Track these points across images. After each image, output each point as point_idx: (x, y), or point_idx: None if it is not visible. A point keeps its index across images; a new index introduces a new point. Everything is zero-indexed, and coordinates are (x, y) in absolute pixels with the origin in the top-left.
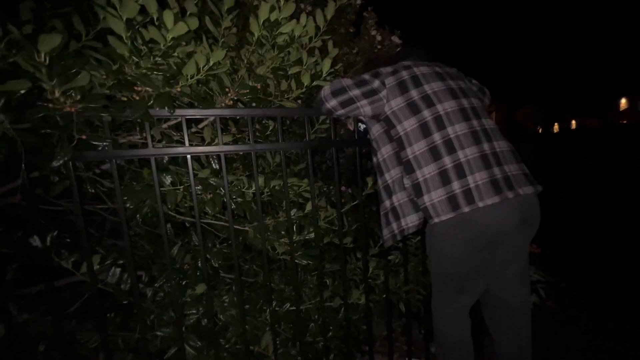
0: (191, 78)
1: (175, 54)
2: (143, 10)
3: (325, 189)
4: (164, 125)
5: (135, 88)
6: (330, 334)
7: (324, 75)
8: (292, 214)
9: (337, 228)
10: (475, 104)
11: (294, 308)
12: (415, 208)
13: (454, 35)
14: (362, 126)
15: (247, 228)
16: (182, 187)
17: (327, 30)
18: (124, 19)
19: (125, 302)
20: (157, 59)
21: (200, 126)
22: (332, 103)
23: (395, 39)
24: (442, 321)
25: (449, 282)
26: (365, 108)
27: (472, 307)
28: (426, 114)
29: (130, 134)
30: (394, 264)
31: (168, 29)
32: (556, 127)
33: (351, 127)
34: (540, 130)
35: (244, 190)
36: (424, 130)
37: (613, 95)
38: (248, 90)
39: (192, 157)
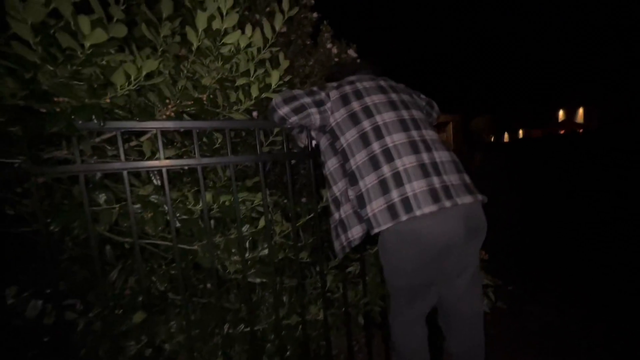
0: (122, 89)
1: (103, 62)
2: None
3: (281, 202)
4: (97, 139)
5: (56, 99)
6: (288, 353)
7: (273, 86)
8: (245, 230)
9: (292, 243)
10: (416, 115)
11: (248, 329)
12: (359, 219)
13: (410, 49)
14: (314, 141)
15: (195, 247)
16: (118, 205)
17: (276, 42)
18: (29, 22)
19: (47, 339)
20: (75, 67)
21: (142, 139)
22: (284, 110)
23: (352, 53)
24: (399, 330)
25: (402, 292)
26: (315, 116)
27: (431, 313)
28: (366, 124)
29: (57, 149)
30: (353, 275)
31: (85, 35)
32: (506, 136)
33: (302, 142)
34: (492, 139)
35: (190, 207)
36: (364, 140)
37: (553, 108)
38: (192, 102)
39: (130, 173)
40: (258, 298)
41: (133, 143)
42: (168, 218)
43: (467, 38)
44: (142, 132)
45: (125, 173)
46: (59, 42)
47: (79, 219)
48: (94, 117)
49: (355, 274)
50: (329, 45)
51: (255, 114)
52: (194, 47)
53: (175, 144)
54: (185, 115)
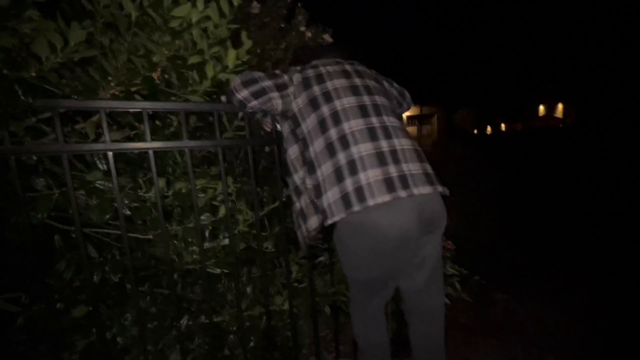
0: (47, 61)
1: (26, 30)
2: None
3: (246, 190)
4: (33, 119)
5: None
6: (252, 344)
7: (230, 67)
8: (204, 219)
9: (256, 232)
10: (379, 101)
11: (208, 321)
12: (316, 210)
13: (395, 41)
14: (279, 126)
15: (149, 236)
16: (58, 191)
17: (237, 19)
18: None
19: None
20: None
21: (94, 119)
22: (243, 94)
23: (327, 38)
24: (358, 321)
25: (359, 285)
26: (277, 101)
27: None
28: (325, 110)
29: None
30: (323, 265)
31: None
32: (489, 129)
33: (268, 127)
34: (475, 132)
35: (142, 194)
36: (322, 127)
37: (534, 103)
38: (140, 80)
39: (77, 157)
40: (224, 289)
41: (80, 126)
42: (116, 205)
43: (453, 31)
44: (90, 114)
45: (64, 156)
46: None
47: (11, 204)
48: (20, 93)
49: (326, 263)
50: (302, 29)
51: (223, 98)
52: (132, 18)
53: (125, 127)
54: (138, 97)
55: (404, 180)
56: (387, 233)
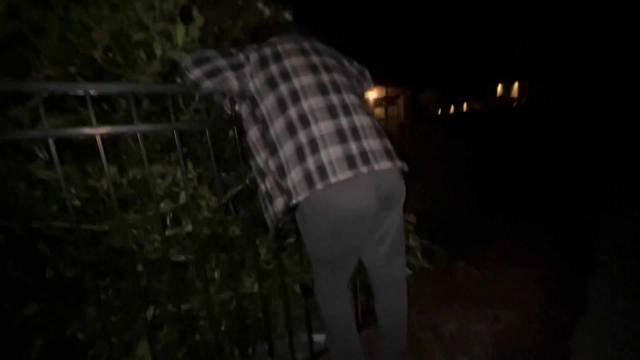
0: None
1: None
2: None
3: (208, 175)
4: None
5: None
6: (223, 328)
7: (180, 45)
8: (165, 206)
9: (221, 218)
10: (338, 79)
11: (175, 309)
12: (281, 191)
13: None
14: (237, 107)
15: (105, 228)
16: None
17: None
18: None
19: None
20: None
21: (29, 104)
22: (195, 73)
23: (287, 16)
24: (322, 298)
25: (322, 263)
26: (233, 82)
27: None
28: (282, 89)
29: None
30: (292, 246)
31: None
32: (452, 109)
33: (228, 109)
34: (439, 112)
35: (93, 183)
36: (281, 107)
37: (492, 82)
38: (79, 60)
39: (10, 145)
40: (192, 276)
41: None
42: (62, 196)
43: (418, 14)
44: (25, 99)
45: None
46: None
47: None
48: None
49: (293, 244)
50: (260, 6)
51: (178, 79)
52: None
53: (68, 112)
54: (80, 78)
55: (364, 157)
56: (347, 209)
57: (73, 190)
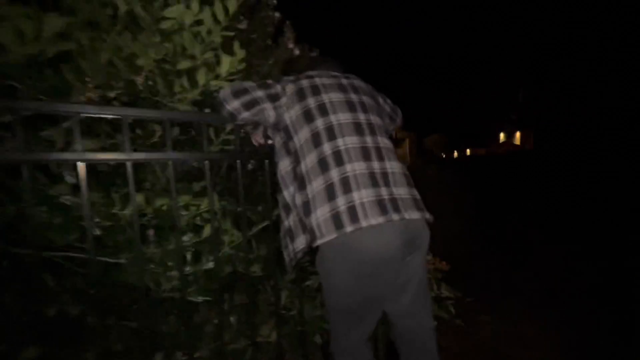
0: (14, 53)
1: None
2: None
3: (232, 209)
4: None
5: None
6: None
7: (223, 75)
8: (187, 240)
9: (243, 254)
10: (374, 120)
11: (185, 358)
12: (304, 229)
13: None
14: (270, 139)
15: (121, 260)
16: (14, 207)
17: (230, 27)
18: None
19: None
20: None
21: (64, 125)
22: (234, 104)
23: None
24: (340, 353)
25: (341, 314)
26: (269, 112)
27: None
28: (319, 123)
29: None
30: (310, 289)
31: None
32: (455, 153)
33: (257, 140)
34: (443, 156)
35: (115, 211)
36: (316, 141)
37: (495, 131)
38: (123, 85)
39: (37, 167)
40: (202, 319)
41: (45, 133)
42: (84, 224)
43: (423, 61)
44: (57, 120)
45: (26, 167)
46: None
47: None
48: None
49: (314, 287)
50: (290, 46)
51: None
52: (120, 10)
53: (100, 135)
54: (116, 103)
55: (394, 204)
56: (372, 254)
57: (97, 219)
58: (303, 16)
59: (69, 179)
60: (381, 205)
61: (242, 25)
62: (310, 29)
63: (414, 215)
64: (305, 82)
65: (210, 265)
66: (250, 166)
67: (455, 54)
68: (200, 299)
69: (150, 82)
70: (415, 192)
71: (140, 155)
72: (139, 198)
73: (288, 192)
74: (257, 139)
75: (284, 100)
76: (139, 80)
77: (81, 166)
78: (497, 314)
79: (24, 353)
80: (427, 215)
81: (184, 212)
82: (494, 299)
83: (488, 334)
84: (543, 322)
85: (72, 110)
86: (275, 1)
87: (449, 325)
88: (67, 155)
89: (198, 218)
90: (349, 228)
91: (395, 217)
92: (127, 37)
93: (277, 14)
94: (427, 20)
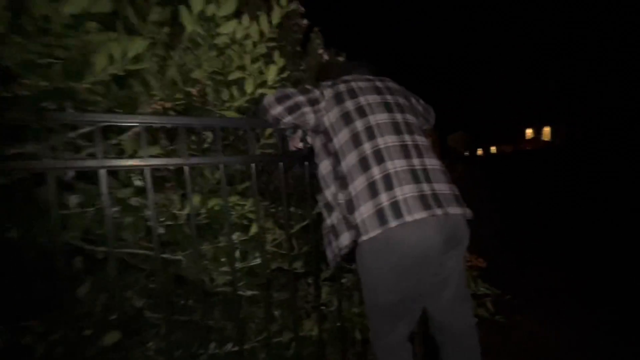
0: (102, 72)
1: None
2: None
3: (273, 209)
4: (72, 134)
5: (21, 81)
6: None
7: (269, 83)
8: (235, 238)
9: (285, 252)
10: (410, 120)
11: (236, 348)
12: (348, 226)
13: (392, 68)
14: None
15: (179, 257)
16: (92, 209)
17: (272, 38)
18: None
19: None
20: (49, 41)
21: (124, 136)
22: (277, 110)
23: (342, 60)
24: (382, 353)
25: (381, 311)
26: (310, 115)
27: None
28: (358, 124)
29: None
30: (347, 288)
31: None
32: (480, 151)
33: (295, 144)
34: (467, 154)
35: (175, 211)
36: (355, 141)
37: (522, 126)
38: (181, 96)
39: (107, 172)
40: (245, 313)
41: (113, 141)
42: (149, 224)
43: (446, 58)
44: (121, 128)
45: (103, 172)
46: (30, 9)
47: (45, 224)
48: (67, 105)
49: (349, 286)
50: (320, 51)
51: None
52: (187, 31)
53: (158, 142)
54: (171, 112)
55: (436, 199)
56: (414, 249)
57: (161, 218)
58: (329, 22)
59: (137, 183)
60: (424, 200)
61: (272, 34)
62: (336, 33)
63: (455, 210)
64: (342, 87)
65: (257, 261)
66: (296, 168)
67: (472, 52)
68: (249, 293)
69: (201, 93)
70: (455, 188)
71: (196, 160)
72: (196, 199)
73: (329, 191)
74: (295, 143)
75: (322, 104)
76: (194, 91)
77: (147, 171)
78: (534, 312)
79: (107, 337)
80: (468, 211)
81: (232, 212)
82: (531, 297)
83: (528, 330)
84: (579, 324)
85: (137, 122)
86: (303, 9)
87: (489, 323)
88: (137, 162)
89: (244, 218)
90: (393, 223)
91: (438, 211)
92: (190, 55)
93: (304, 21)
94: (447, 16)
